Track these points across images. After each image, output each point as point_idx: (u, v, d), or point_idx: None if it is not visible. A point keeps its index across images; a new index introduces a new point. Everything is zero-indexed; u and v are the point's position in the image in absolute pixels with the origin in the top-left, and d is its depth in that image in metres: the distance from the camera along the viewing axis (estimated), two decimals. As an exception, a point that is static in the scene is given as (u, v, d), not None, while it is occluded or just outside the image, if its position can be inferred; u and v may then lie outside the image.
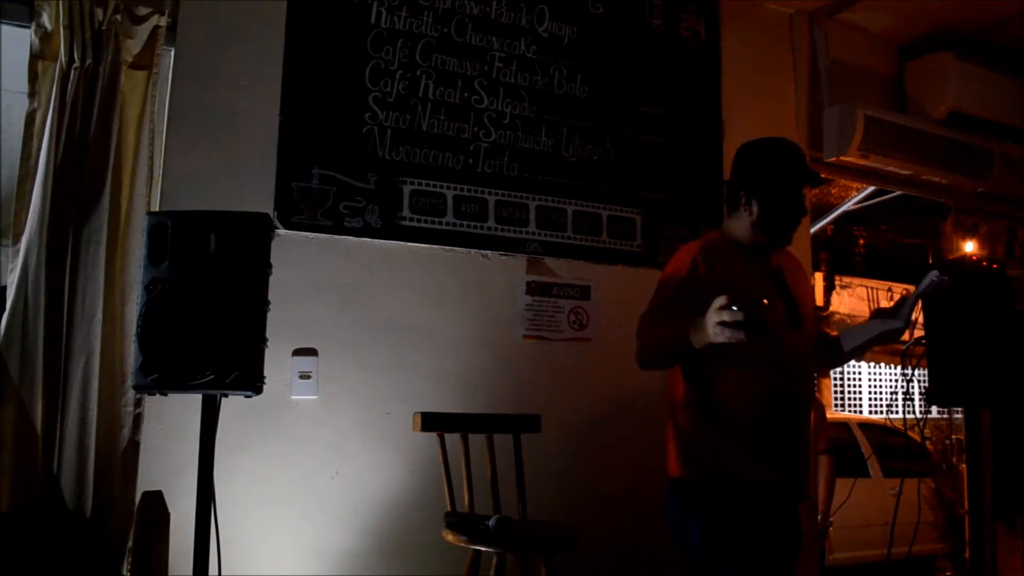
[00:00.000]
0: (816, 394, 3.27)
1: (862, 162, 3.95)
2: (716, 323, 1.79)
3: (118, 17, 2.59)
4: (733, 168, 2.24)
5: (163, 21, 2.67)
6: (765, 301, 1.94)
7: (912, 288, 2.26)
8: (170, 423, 2.56)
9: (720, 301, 1.80)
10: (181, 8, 2.72)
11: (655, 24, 3.57)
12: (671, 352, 2.07)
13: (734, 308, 1.77)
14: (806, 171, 2.22)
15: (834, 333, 2.38)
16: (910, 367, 2.31)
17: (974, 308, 2.19)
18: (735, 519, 2.07)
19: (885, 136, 3.90)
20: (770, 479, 2.12)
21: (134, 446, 2.51)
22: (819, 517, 3.67)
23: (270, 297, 2.03)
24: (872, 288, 10.30)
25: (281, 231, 2.76)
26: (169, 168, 2.68)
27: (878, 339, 2.22)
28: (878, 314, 2.24)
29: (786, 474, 2.16)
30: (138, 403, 2.51)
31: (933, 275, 2.15)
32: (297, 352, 2.79)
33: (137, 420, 2.51)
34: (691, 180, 3.57)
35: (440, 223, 3.05)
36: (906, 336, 2.22)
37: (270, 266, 2.04)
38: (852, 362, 11.86)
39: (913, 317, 2.17)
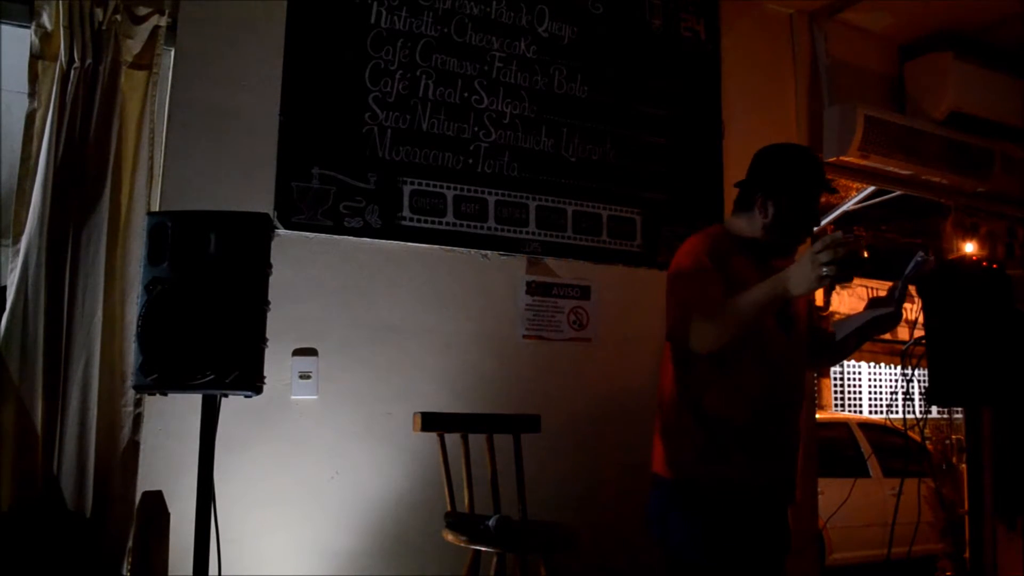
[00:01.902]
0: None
1: (862, 162, 3.94)
2: (824, 262, 1.74)
3: (118, 17, 2.58)
4: (751, 169, 2.23)
5: (163, 21, 2.67)
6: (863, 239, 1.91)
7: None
8: (170, 423, 2.56)
9: (833, 237, 1.75)
10: (181, 8, 2.72)
11: (655, 24, 3.57)
12: (759, 315, 1.96)
13: (843, 245, 1.73)
14: (824, 180, 2.22)
15: (832, 331, 2.38)
16: (910, 367, 2.32)
17: (974, 308, 2.20)
18: (720, 519, 2.07)
19: (885, 136, 3.89)
20: (756, 481, 2.12)
21: (134, 446, 2.51)
22: None
23: (270, 297, 2.03)
24: (872, 288, 10.29)
25: (281, 231, 2.76)
26: (169, 168, 2.68)
27: (870, 325, 2.22)
28: (872, 303, 2.25)
29: (773, 476, 2.16)
30: (138, 403, 2.51)
31: (918, 256, 2.16)
32: (297, 352, 2.79)
33: (137, 420, 2.51)
34: (691, 180, 3.57)
35: (440, 223, 3.05)
36: (905, 334, 2.23)
37: (270, 266, 2.04)
38: (852, 361, 11.87)
39: (910, 310, 2.17)
